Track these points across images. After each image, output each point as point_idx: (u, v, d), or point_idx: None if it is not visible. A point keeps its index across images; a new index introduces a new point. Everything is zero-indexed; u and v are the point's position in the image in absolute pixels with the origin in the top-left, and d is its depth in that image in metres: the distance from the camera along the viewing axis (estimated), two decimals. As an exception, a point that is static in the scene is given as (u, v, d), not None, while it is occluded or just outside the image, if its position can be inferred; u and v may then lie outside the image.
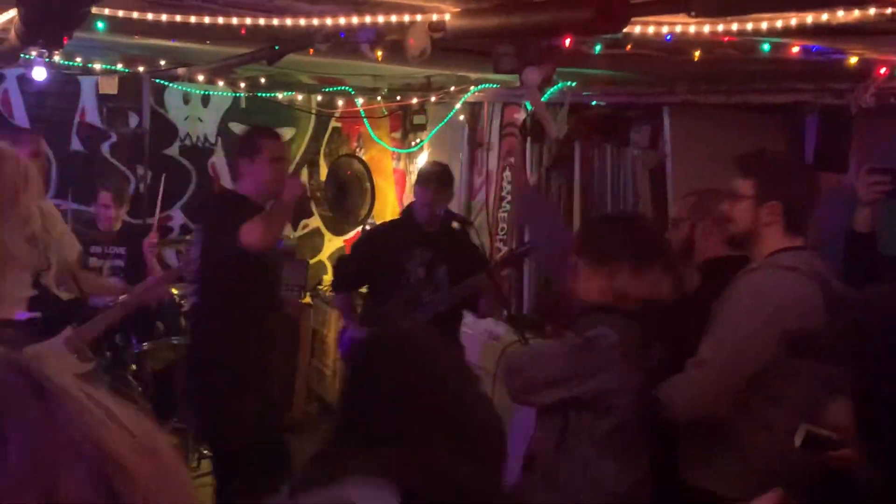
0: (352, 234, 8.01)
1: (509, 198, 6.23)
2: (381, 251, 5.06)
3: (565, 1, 2.46)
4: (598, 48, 3.52)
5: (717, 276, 3.21)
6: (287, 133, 7.75)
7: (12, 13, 3.01)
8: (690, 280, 3.24)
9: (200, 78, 6.18)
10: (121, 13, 2.97)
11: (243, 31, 3.29)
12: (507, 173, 6.25)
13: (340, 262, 5.80)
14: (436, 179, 4.97)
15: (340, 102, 7.55)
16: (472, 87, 5.91)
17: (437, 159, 6.39)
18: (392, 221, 5.56)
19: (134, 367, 5.84)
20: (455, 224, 5.14)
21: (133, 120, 7.26)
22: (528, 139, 5.93)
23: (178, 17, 2.92)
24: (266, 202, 4.41)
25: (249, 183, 4.47)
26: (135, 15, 2.94)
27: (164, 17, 2.91)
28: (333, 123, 7.90)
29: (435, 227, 4.98)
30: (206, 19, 3.00)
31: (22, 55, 4.49)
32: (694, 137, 4.88)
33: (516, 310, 5.91)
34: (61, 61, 5.90)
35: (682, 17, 2.73)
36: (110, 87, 6.64)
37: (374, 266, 5.04)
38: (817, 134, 4.66)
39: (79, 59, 5.94)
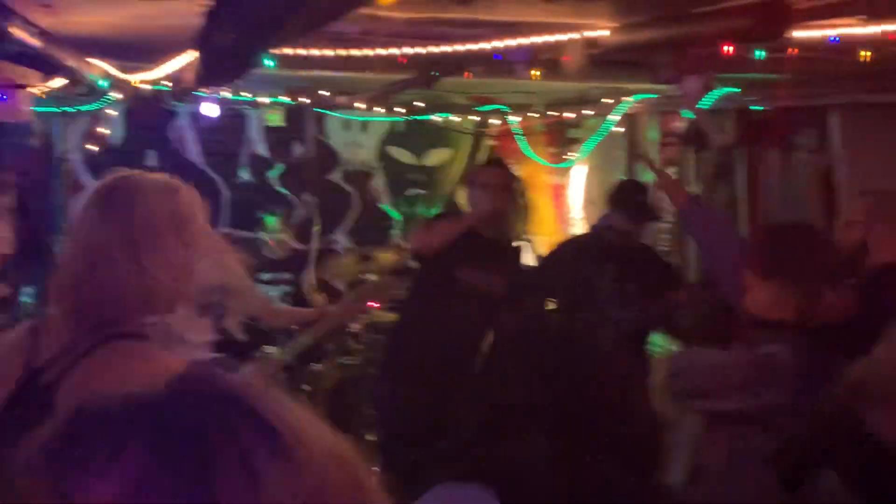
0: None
1: (672, 209, 6.11)
2: (569, 266, 5.04)
3: (724, 10, 2.43)
4: (759, 54, 3.45)
5: (891, 285, 3.08)
6: (444, 154, 7.90)
7: (190, 57, 3.21)
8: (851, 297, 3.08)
9: (359, 105, 6.38)
10: (289, 50, 3.12)
11: (403, 60, 3.40)
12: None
13: (529, 276, 5.79)
14: (636, 209, 4.91)
15: (495, 121, 7.62)
16: (628, 99, 5.86)
17: (594, 178, 6.35)
18: (582, 236, 5.51)
19: (307, 387, 6.05)
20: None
21: (297, 148, 7.57)
22: (690, 148, 5.83)
23: (343, 51, 3.05)
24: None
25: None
26: (302, 51, 3.08)
27: (330, 52, 3.04)
28: (488, 142, 7.98)
29: (626, 241, 4.92)
30: (370, 52, 3.11)
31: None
32: (865, 138, 4.68)
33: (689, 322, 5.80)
34: (230, 96, 6.23)
35: (847, 19, 2.66)
36: (276, 119, 6.95)
37: (562, 280, 5.02)
38: None
39: (246, 94, 6.24)
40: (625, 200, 4.94)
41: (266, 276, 6.43)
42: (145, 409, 0.75)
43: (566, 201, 7.58)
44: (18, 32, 2.48)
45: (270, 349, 5.10)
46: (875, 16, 2.34)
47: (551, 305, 5.24)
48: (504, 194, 4.77)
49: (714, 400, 2.86)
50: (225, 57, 2.52)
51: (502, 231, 4.97)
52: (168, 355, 1.78)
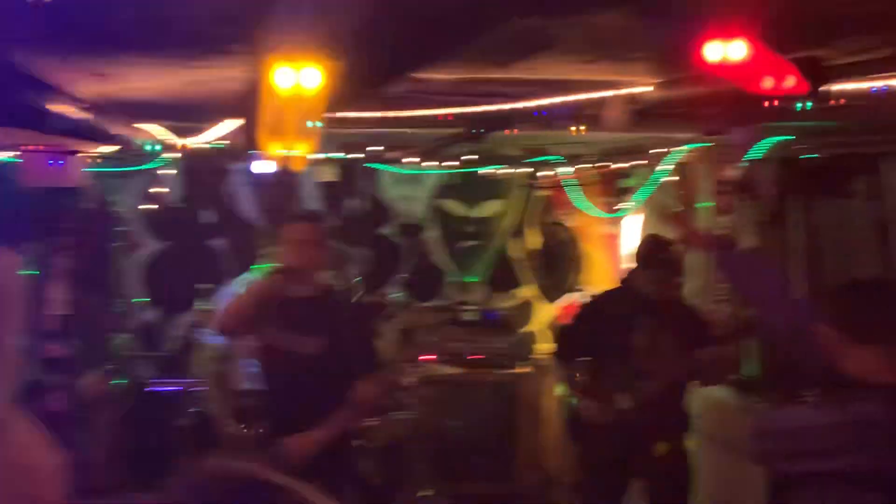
0: (562, 301, 8.06)
1: (725, 257, 6.10)
2: (604, 320, 5.06)
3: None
4: (808, 105, 3.46)
5: None
6: (497, 206, 7.97)
7: (239, 121, 3.32)
8: None
9: (412, 159, 6.49)
10: (339, 113, 3.22)
11: (450, 118, 3.48)
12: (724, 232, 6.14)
13: (564, 331, 5.83)
14: (661, 265, 4.93)
15: (546, 171, 7.67)
16: (680, 148, 5.88)
17: (649, 227, 6.36)
18: (615, 290, 5.53)
19: (361, 442, 6.09)
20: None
21: (351, 203, 7.70)
22: (744, 196, 5.82)
23: (390, 113, 3.14)
24: None
25: None
26: (353, 113, 3.17)
27: (378, 114, 3.13)
28: (541, 193, 8.03)
29: (659, 295, 4.94)
30: (416, 112, 3.20)
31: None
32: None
33: (741, 373, 5.75)
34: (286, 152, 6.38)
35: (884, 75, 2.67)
36: (329, 174, 7.08)
37: (597, 335, 5.05)
38: None
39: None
40: (647, 258, 4.96)
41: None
42: None
43: (619, 251, 7.58)
44: (62, 109, 2.60)
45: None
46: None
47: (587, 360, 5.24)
48: (310, 249, 4.27)
49: (810, 460, 2.77)
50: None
51: (318, 286, 4.54)
52: None
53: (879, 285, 3.88)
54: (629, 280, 5.15)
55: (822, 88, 2.57)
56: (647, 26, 1.83)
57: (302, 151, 2.19)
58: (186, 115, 4.04)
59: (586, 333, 5.15)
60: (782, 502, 2.88)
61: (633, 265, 5.13)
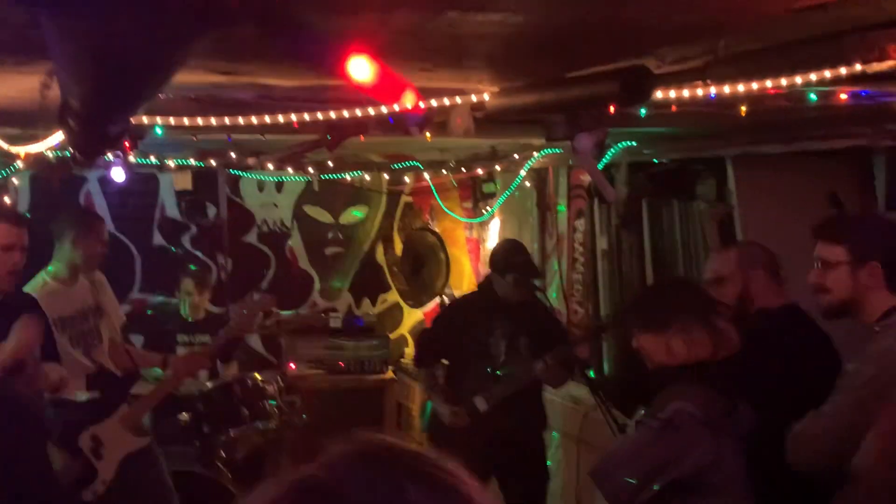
0: (430, 305, 8.13)
1: (582, 259, 6.27)
2: (461, 324, 5.15)
3: (591, 77, 2.55)
4: (643, 111, 3.59)
5: (771, 328, 3.20)
6: (360, 211, 7.98)
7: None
8: (734, 336, 3.17)
9: (271, 166, 6.43)
10: (172, 120, 3.16)
11: (296, 125, 3.46)
12: (579, 234, 6.30)
13: (422, 336, 5.89)
14: (516, 268, 5.00)
15: (409, 178, 7.72)
16: (535, 154, 6.01)
17: (508, 231, 6.47)
18: (471, 294, 5.64)
19: (223, 454, 5.99)
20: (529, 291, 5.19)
21: (211, 210, 7.57)
22: (596, 200, 5.98)
23: (227, 120, 3.10)
24: None
25: None
26: (186, 121, 3.12)
27: (213, 121, 3.09)
28: (405, 198, 8.09)
29: (513, 298, 5.04)
30: (255, 119, 3.17)
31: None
32: (759, 187, 4.87)
33: (596, 373, 5.91)
34: (137, 159, 6.22)
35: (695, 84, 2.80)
36: (185, 182, 6.95)
37: (454, 339, 5.14)
38: (887, 174, 4.61)
39: (153, 158, 6.25)
40: (503, 262, 5.06)
41: (183, 339, 6.40)
42: None
43: (484, 255, 7.69)
44: None
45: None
46: (715, 80, 2.48)
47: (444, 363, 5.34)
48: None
49: (647, 488, 2.82)
50: (82, 137, 2.55)
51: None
52: None
53: (674, 282, 4.14)
54: (486, 284, 5.25)
55: (652, 96, 2.68)
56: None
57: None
58: (24, 122, 3.90)
59: (444, 338, 5.24)
60: None
61: (490, 270, 5.24)
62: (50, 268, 4.85)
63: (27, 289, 4.56)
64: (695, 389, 2.90)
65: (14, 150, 4.17)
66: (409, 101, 2.10)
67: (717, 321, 3.01)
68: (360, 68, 1.89)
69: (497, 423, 4.92)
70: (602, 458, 3.12)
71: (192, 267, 6.95)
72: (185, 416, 5.58)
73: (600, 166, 5.05)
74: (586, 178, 6.03)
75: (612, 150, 5.02)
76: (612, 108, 3.36)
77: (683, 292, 3.19)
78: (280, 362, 6.71)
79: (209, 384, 5.85)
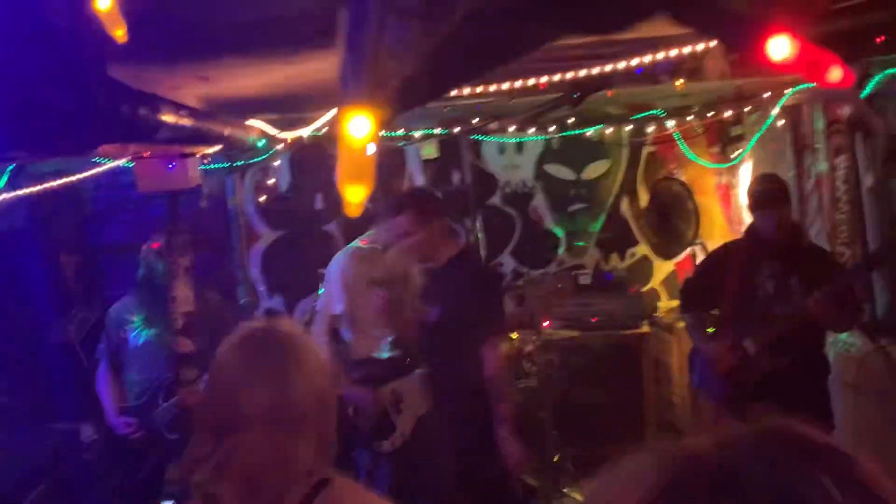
0: (681, 257, 7.98)
1: (846, 198, 5.94)
2: (726, 269, 5.00)
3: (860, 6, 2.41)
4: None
5: None
6: (603, 166, 7.92)
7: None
8: None
9: (512, 129, 6.50)
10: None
11: (543, 87, 3.49)
12: (840, 172, 5.97)
13: (686, 283, 5.79)
14: (774, 203, 4.79)
15: (652, 127, 7.58)
16: (787, 91, 5.74)
17: (763, 171, 6.23)
18: (736, 240, 5.45)
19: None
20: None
21: (456, 176, 7.77)
22: (858, 134, 5.65)
23: (479, 88, 3.17)
24: None
25: None
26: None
27: (465, 91, 3.16)
28: (648, 149, 7.94)
29: (778, 237, 4.84)
30: (506, 85, 3.22)
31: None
32: None
33: (870, 316, 5.61)
34: (386, 133, 6.47)
35: None
36: (431, 151, 7.16)
37: (722, 284, 5.00)
38: None
39: (401, 130, 6.48)
40: (759, 198, 4.83)
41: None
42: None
43: (735, 201, 7.46)
44: (168, 119, 2.72)
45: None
46: None
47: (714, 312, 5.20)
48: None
49: None
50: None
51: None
52: None
53: None
54: (750, 228, 5.08)
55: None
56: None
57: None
58: (289, 107, 4.16)
59: (710, 285, 5.10)
60: None
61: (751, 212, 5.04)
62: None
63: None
64: None
65: (282, 135, 4.45)
66: (835, 75, 2.06)
67: None
68: (781, 47, 1.87)
69: (770, 367, 4.75)
70: None
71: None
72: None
73: (862, 96, 4.77)
74: (846, 112, 5.71)
75: (875, 77, 4.70)
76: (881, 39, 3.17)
77: None
78: (534, 321, 6.79)
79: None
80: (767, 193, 4.82)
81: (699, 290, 5.25)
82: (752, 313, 4.86)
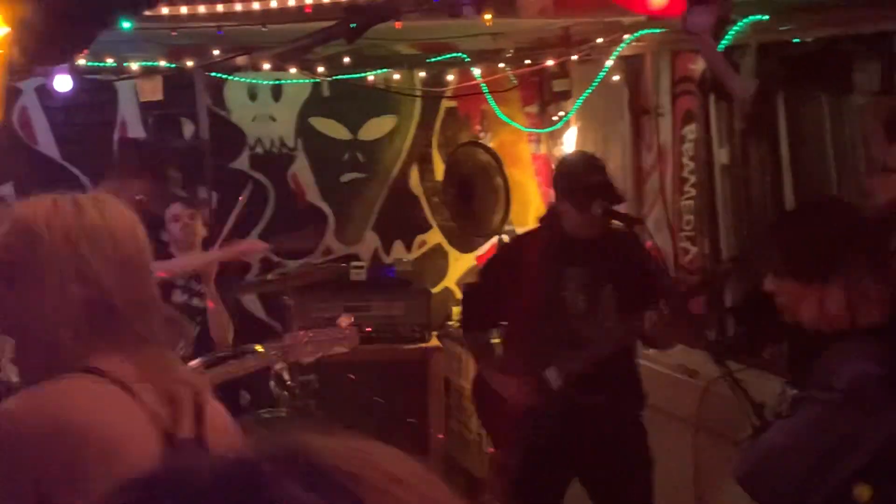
0: (485, 248, 8.09)
1: (693, 179, 6.17)
2: (521, 273, 5.05)
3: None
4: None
5: None
6: (387, 123, 7.92)
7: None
8: None
9: (267, 66, 6.38)
10: (147, 11, 3.12)
11: (308, 10, 3.40)
12: (688, 145, 6.20)
13: (469, 291, 5.85)
14: (592, 192, 4.85)
15: (452, 76, 7.64)
16: (626, 36, 5.90)
17: (588, 143, 6.39)
18: (532, 232, 5.53)
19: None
20: (616, 224, 5.08)
21: (188, 128, 7.56)
22: (712, 96, 5.88)
23: (221, 7, 3.05)
24: None
25: None
26: (165, 11, 3.08)
27: (201, 9, 3.04)
28: (446, 104, 8.01)
29: (591, 234, 4.93)
30: (257, 4, 3.12)
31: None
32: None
33: (718, 333, 5.85)
34: (87, 63, 6.21)
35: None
36: (153, 91, 6.92)
37: (513, 294, 5.04)
38: None
39: (110, 60, 6.23)
40: (570, 184, 4.93)
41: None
42: None
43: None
44: None
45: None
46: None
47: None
48: None
49: (821, 483, 2.86)
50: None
51: None
52: None
53: (812, 209, 3.90)
54: (550, 217, 5.15)
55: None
56: None
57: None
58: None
59: (499, 292, 5.14)
60: None
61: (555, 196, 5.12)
62: None
63: None
64: (870, 345, 2.88)
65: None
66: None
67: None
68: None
69: (576, 404, 4.87)
70: (751, 456, 3.11)
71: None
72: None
73: (720, 48, 4.95)
74: (698, 68, 5.92)
75: (735, 26, 4.90)
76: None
77: (842, 221, 3.13)
78: (287, 330, 6.70)
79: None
80: (588, 187, 4.84)
81: (484, 300, 5.29)
82: (556, 334, 4.95)
